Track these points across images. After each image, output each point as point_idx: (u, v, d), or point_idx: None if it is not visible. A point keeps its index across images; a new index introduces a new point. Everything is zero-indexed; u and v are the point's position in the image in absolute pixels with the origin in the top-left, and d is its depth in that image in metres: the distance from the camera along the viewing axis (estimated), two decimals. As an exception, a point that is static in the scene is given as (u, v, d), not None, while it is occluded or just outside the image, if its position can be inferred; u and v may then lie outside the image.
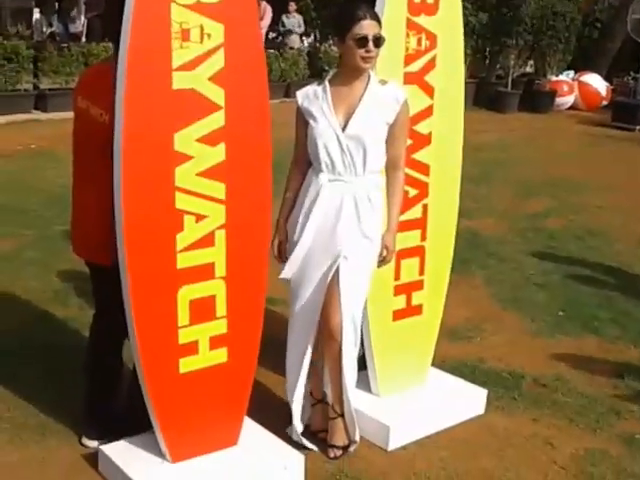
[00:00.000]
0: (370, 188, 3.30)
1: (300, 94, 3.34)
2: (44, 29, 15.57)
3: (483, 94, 15.20)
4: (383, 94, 3.27)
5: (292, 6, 15.78)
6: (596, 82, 15.91)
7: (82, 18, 16.77)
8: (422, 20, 3.57)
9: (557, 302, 5.55)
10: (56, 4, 16.70)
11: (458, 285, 5.10)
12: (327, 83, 3.30)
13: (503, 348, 4.74)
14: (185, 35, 2.85)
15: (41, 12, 16.25)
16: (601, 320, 5.26)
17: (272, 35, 15.62)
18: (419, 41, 3.59)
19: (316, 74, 14.03)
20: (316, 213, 3.25)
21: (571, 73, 16.47)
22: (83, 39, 15.22)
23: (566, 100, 15.75)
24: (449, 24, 3.68)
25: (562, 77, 16.26)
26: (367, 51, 3.16)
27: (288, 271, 3.34)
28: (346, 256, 3.27)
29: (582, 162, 10.78)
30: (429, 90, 3.67)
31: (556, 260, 6.46)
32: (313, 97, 3.29)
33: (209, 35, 2.91)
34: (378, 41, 3.18)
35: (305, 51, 15.17)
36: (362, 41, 3.15)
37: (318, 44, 15.93)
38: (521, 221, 7.65)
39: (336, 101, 3.26)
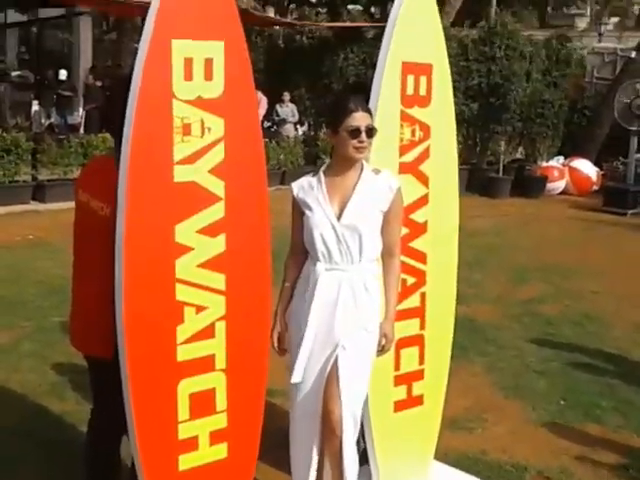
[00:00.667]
0: (367, 276, 3.30)
1: (295, 185, 3.38)
2: (43, 121, 15.87)
3: (475, 180, 15.38)
4: (377, 183, 3.31)
5: (286, 96, 16.17)
6: (586, 167, 16.13)
7: (80, 110, 17.13)
8: (415, 112, 3.66)
9: (558, 390, 5.48)
10: (54, 96, 17.05)
11: (457, 373, 5.04)
12: (322, 174, 3.35)
13: (505, 439, 4.66)
14: (186, 130, 2.91)
15: (40, 104, 16.60)
16: (603, 409, 5.19)
17: (267, 124, 15.92)
18: (413, 132, 3.67)
19: (311, 162, 14.25)
20: (315, 305, 3.23)
21: (561, 159, 16.72)
22: (81, 130, 15.49)
23: (557, 185, 15.94)
24: (442, 115, 3.76)
25: (552, 163, 16.50)
26: (360, 141, 3.23)
27: (298, 375, 3.26)
28: (344, 346, 3.24)
29: (575, 247, 10.83)
30: (424, 179, 3.73)
31: (555, 346, 6.42)
32: (308, 188, 3.34)
33: (209, 129, 2.97)
34: (370, 132, 3.26)
35: (301, 139, 15.45)
36: (355, 132, 3.22)
37: (312, 132, 16.25)
38: (517, 307, 7.63)
39: (331, 191, 3.30)
